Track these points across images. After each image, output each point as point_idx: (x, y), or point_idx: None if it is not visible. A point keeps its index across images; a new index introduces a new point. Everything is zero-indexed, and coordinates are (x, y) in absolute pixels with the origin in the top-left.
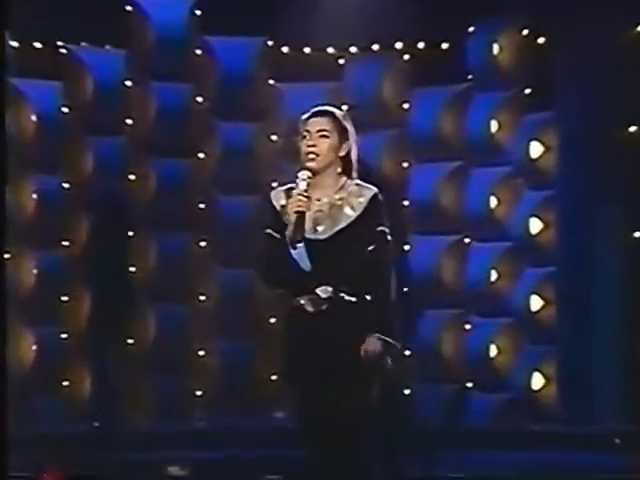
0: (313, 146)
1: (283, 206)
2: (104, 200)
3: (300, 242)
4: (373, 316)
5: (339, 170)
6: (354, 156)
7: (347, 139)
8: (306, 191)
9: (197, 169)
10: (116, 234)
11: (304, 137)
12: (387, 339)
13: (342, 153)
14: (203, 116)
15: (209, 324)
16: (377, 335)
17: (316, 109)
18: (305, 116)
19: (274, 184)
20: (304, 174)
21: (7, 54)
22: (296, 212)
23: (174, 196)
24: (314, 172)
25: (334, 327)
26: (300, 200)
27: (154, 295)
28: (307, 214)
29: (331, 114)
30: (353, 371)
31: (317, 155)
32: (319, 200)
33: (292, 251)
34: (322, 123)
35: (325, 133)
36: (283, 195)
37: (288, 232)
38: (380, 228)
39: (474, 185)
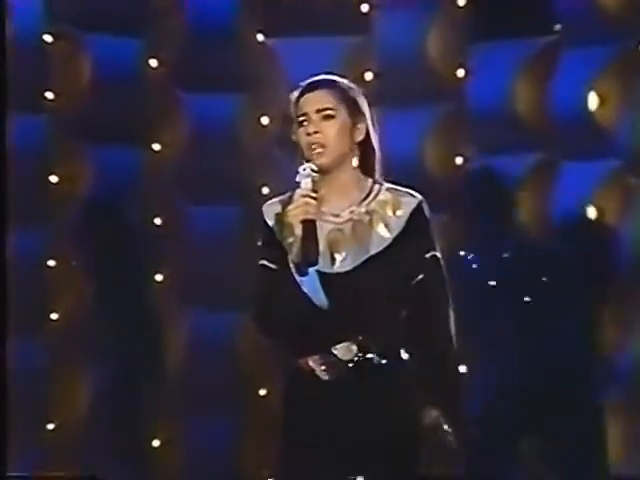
0: (316, 133)
1: (278, 214)
2: (14, 211)
3: (313, 265)
4: (426, 386)
5: (355, 164)
6: (376, 144)
7: (361, 117)
8: (314, 191)
9: (151, 165)
10: (32, 262)
11: (300, 123)
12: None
13: (359, 137)
14: (160, 86)
15: (170, 397)
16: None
17: (309, 81)
18: (295, 94)
19: (265, 189)
20: (306, 167)
21: None
22: (303, 221)
23: (117, 206)
24: (323, 170)
25: (361, 404)
26: (307, 203)
27: (87, 354)
28: (318, 224)
29: (332, 83)
30: (388, 469)
31: (324, 146)
32: (336, 215)
33: (300, 280)
34: (322, 98)
35: (329, 112)
36: (280, 208)
37: (293, 254)
38: (430, 254)
39: (564, 187)
